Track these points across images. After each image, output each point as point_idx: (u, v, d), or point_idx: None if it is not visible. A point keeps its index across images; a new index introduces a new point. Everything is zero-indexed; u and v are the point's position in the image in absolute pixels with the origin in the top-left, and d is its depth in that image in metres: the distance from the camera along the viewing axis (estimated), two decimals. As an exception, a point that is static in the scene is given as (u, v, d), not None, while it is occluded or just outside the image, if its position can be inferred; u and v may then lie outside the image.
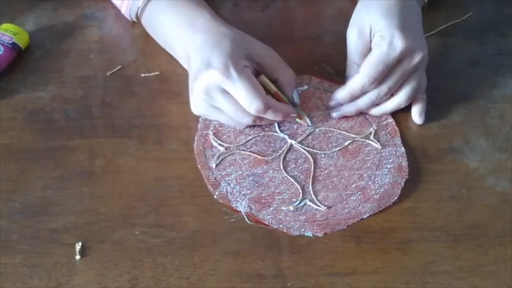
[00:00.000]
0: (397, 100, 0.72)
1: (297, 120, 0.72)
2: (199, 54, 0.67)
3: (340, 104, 0.72)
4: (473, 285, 0.61)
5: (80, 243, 0.62)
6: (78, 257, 0.61)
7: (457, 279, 0.61)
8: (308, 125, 0.72)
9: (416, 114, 0.73)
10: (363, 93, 0.71)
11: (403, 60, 0.69)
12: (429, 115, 0.74)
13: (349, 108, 0.72)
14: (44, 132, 0.71)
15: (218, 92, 0.66)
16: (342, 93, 0.71)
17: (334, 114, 0.72)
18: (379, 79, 0.69)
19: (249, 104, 0.65)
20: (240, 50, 0.67)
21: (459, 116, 0.74)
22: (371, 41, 0.70)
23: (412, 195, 0.67)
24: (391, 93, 0.71)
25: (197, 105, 0.69)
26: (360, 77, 0.69)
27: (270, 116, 0.67)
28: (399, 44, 0.68)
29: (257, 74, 0.68)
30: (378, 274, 0.61)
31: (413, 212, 0.66)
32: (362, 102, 0.71)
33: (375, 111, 0.73)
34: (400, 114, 0.74)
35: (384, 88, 0.70)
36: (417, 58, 0.69)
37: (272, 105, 0.67)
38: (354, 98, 0.71)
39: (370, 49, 0.70)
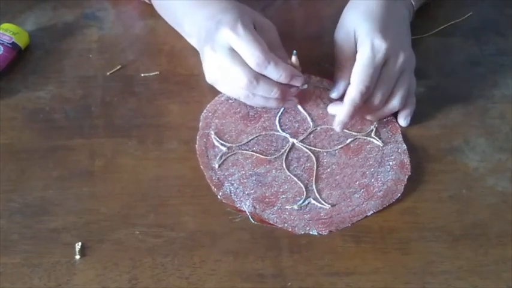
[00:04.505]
0: (391, 104, 0.71)
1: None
2: (211, 19, 0.69)
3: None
4: (473, 285, 0.61)
5: (80, 243, 0.62)
6: (78, 256, 0.61)
7: (457, 279, 0.61)
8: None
9: (402, 117, 0.72)
10: (363, 101, 0.69)
11: (389, 61, 0.69)
12: (429, 115, 0.74)
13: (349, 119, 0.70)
14: (44, 132, 0.71)
15: (225, 50, 0.67)
16: (343, 110, 0.69)
17: (338, 128, 0.70)
18: (373, 83, 0.68)
19: (250, 56, 0.66)
20: (248, 16, 0.69)
21: (459, 116, 0.74)
22: (356, 44, 0.70)
23: (412, 194, 0.67)
24: (385, 99, 0.70)
25: (207, 68, 0.70)
26: (353, 87, 0.68)
27: (271, 73, 0.67)
28: (382, 45, 0.68)
29: None
30: (378, 274, 0.61)
31: (414, 212, 0.66)
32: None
33: (370, 117, 0.72)
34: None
35: (378, 95, 0.69)
36: (401, 58, 0.69)
37: (273, 60, 0.66)
38: (357, 109, 0.69)
39: (355, 52, 0.70)
